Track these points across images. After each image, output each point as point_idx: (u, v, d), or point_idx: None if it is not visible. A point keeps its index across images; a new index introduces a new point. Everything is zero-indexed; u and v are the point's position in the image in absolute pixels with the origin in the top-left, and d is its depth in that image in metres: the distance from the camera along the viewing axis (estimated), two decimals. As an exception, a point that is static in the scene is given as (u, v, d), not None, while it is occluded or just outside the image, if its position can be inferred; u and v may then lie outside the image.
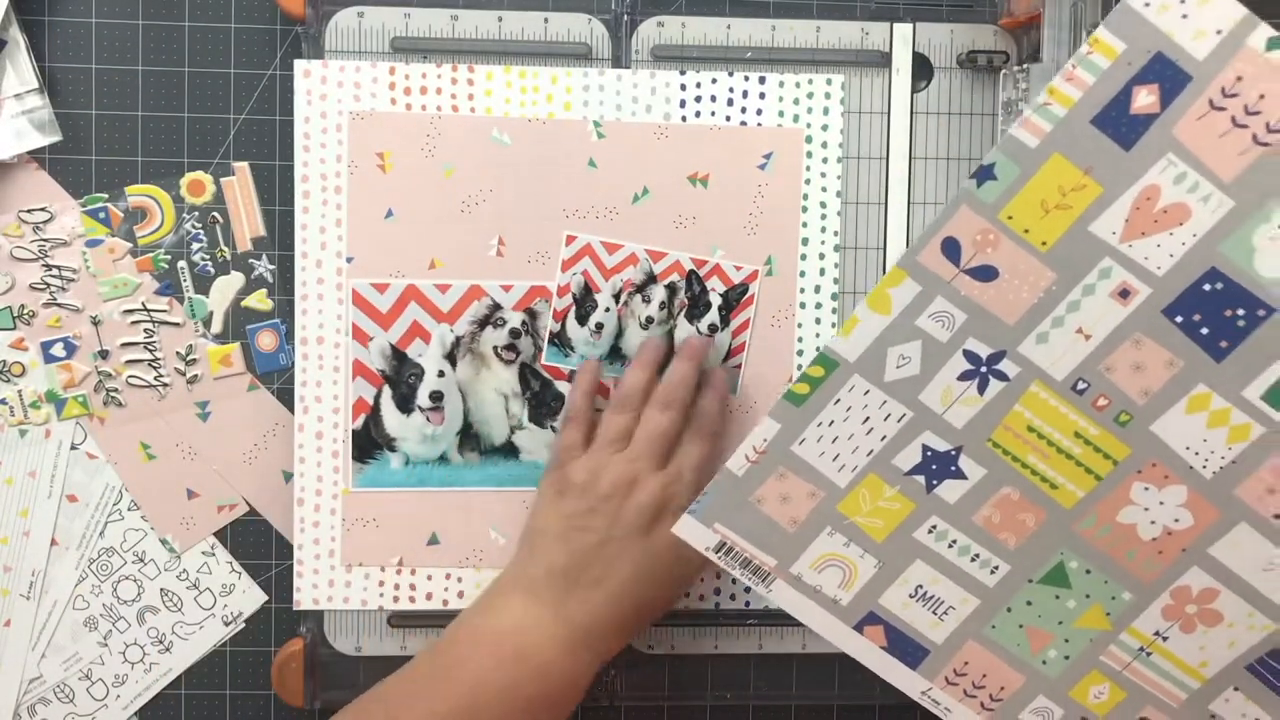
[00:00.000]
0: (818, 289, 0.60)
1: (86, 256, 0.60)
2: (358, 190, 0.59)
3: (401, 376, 0.59)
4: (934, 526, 0.50)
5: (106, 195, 0.60)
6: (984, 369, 0.47)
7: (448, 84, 0.59)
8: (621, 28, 0.60)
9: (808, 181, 0.60)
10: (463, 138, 0.59)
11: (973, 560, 0.50)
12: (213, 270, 0.61)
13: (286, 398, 0.61)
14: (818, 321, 0.60)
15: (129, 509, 0.61)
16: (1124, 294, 0.46)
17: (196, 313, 0.61)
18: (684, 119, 0.59)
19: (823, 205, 0.60)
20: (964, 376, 0.47)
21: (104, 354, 0.61)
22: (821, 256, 0.60)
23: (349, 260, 0.59)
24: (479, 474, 0.60)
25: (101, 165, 0.60)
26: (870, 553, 0.50)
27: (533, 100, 0.59)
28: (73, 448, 0.61)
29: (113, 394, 0.61)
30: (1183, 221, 0.45)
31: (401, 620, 0.60)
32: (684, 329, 0.60)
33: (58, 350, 0.60)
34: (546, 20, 0.59)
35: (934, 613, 0.51)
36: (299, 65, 0.58)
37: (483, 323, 0.59)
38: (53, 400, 0.61)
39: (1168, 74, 0.44)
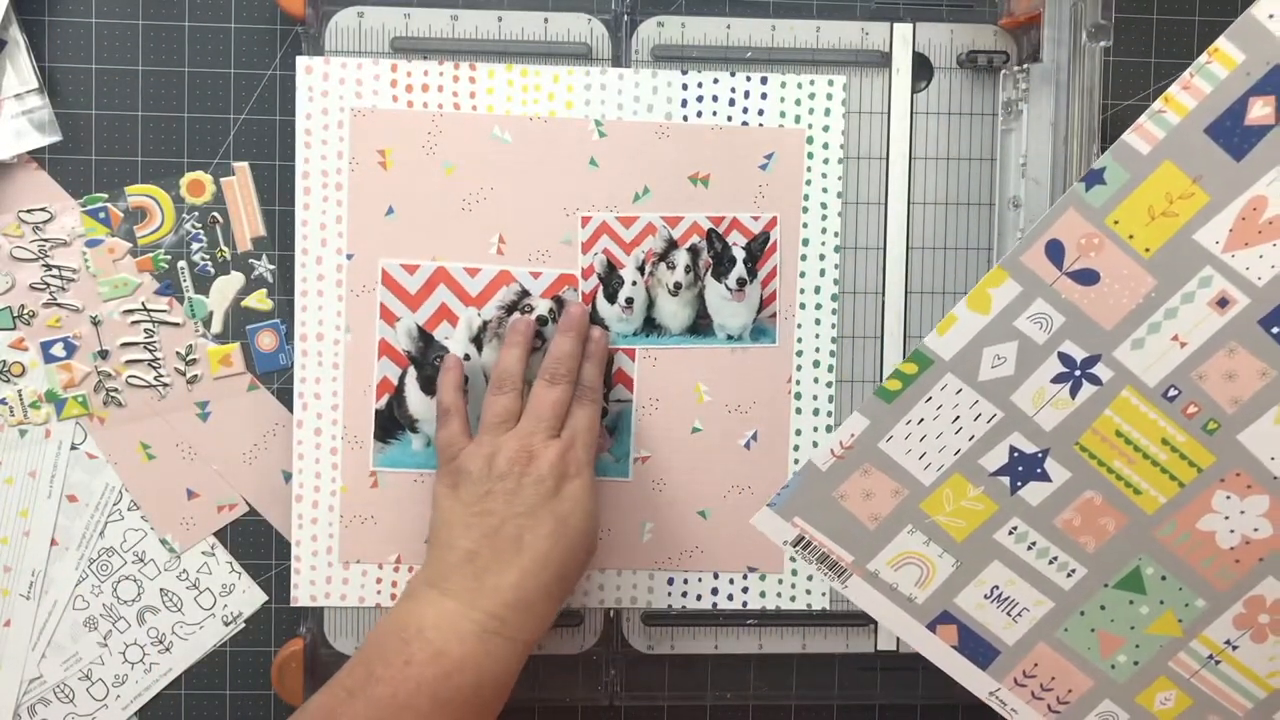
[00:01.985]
0: (818, 289, 0.60)
1: (86, 256, 0.60)
2: (359, 187, 0.59)
3: (427, 358, 0.59)
4: (1015, 528, 0.50)
5: (106, 195, 0.60)
6: (1078, 372, 0.47)
7: (449, 82, 0.59)
8: (621, 28, 0.60)
9: (808, 182, 0.60)
10: (463, 136, 0.59)
11: (1050, 563, 0.50)
12: (213, 270, 0.61)
13: (286, 398, 0.61)
14: (817, 322, 0.60)
15: (129, 509, 0.61)
16: (1222, 303, 0.46)
17: (196, 313, 0.61)
18: (685, 119, 0.59)
19: (823, 206, 0.60)
20: (1057, 379, 0.48)
21: (104, 354, 0.61)
22: (822, 257, 0.60)
23: (349, 257, 0.59)
24: None
25: (101, 165, 0.60)
26: (949, 552, 0.50)
27: (534, 99, 0.59)
28: (73, 448, 0.61)
29: (113, 394, 0.61)
30: None
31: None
32: (713, 288, 0.60)
33: (58, 350, 0.60)
34: (546, 20, 0.59)
35: (1008, 614, 0.51)
36: (301, 62, 0.58)
37: (510, 308, 0.60)
38: (53, 400, 0.60)
39: None
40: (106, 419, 0.61)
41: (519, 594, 0.51)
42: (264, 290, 0.61)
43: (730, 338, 0.60)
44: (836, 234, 0.60)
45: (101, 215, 0.60)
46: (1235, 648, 0.50)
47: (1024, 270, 0.47)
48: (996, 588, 0.50)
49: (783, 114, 0.60)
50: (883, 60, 0.60)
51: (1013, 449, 0.49)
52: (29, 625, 0.61)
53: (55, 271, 0.60)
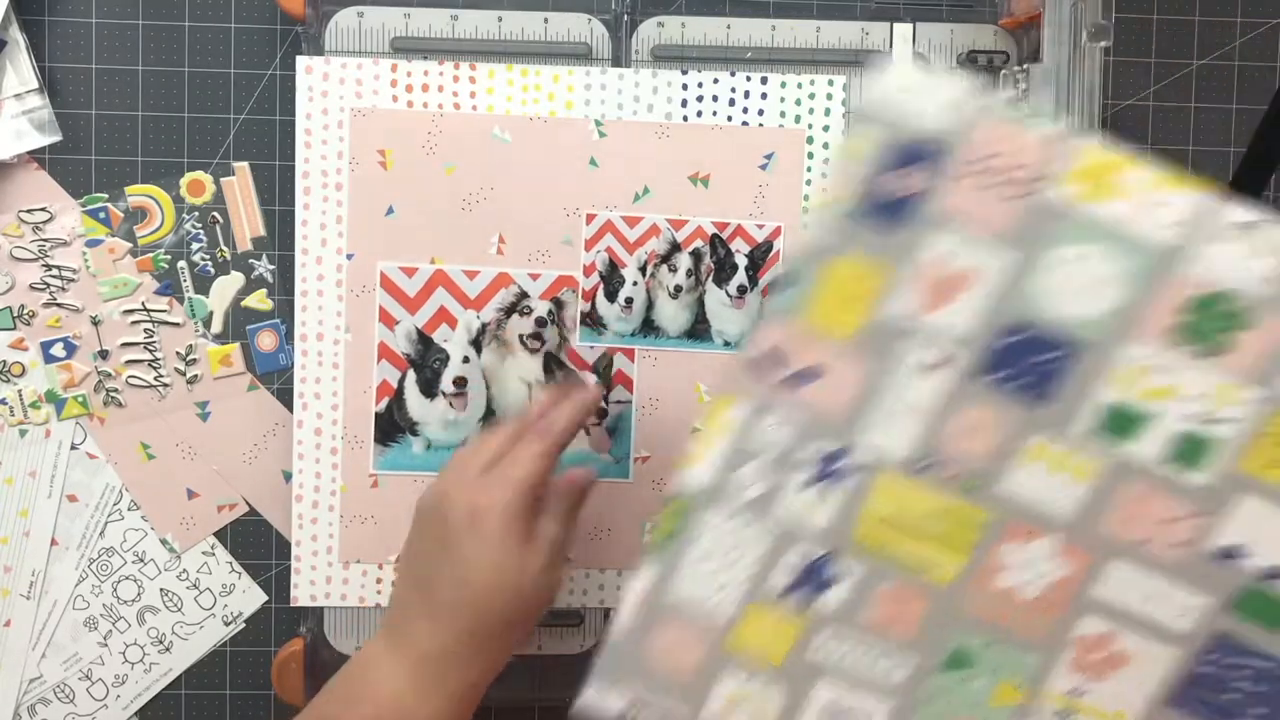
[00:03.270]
0: None
1: (86, 256, 0.60)
2: (359, 187, 0.59)
3: (426, 361, 0.59)
4: (826, 640, 0.48)
5: (106, 195, 0.60)
6: (830, 469, 0.47)
7: (449, 82, 0.59)
8: (621, 28, 0.60)
9: (808, 182, 0.60)
10: (464, 136, 0.59)
11: (873, 665, 0.49)
12: (213, 270, 0.61)
13: (286, 398, 0.61)
14: None
15: (129, 509, 0.61)
16: (938, 365, 0.46)
17: (196, 313, 0.61)
18: (685, 118, 0.59)
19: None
20: (813, 481, 0.47)
21: (104, 354, 0.61)
22: None
23: (349, 257, 0.59)
24: None
25: (101, 165, 0.60)
26: (773, 683, 0.49)
27: (534, 99, 0.59)
28: (73, 448, 0.61)
29: (113, 394, 0.61)
30: (972, 284, 0.46)
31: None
32: (713, 294, 0.60)
33: (58, 350, 0.60)
34: (546, 20, 0.59)
35: None
36: (301, 62, 0.58)
37: (509, 310, 0.60)
38: (53, 400, 0.61)
39: (921, 155, 0.45)
40: (106, 419, 0.61)
41: (439, 645, 0.48)
42: (264, 290, 0.61)
43: (727, 344, 0.60)
44: None
45: (101, 215, 0.60)
46: (1082, 694, 0.49)
47: (749, 387, 0.46)
48: (834, 701, 0.49)
49: (783, 114, 0.60)
50: (883, 60, 0.60)
51: (795, 564, 0.48)
52: (29, 625, 0.61)
53: (55, 271, 0.60)
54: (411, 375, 0.60)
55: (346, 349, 0.59)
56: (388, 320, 0.59)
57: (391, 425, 0.60)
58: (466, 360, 0.59)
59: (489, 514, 0.48)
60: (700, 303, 0.60)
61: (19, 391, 0.60)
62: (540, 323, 0.59)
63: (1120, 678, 0.49)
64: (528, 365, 0.60)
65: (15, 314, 0.60)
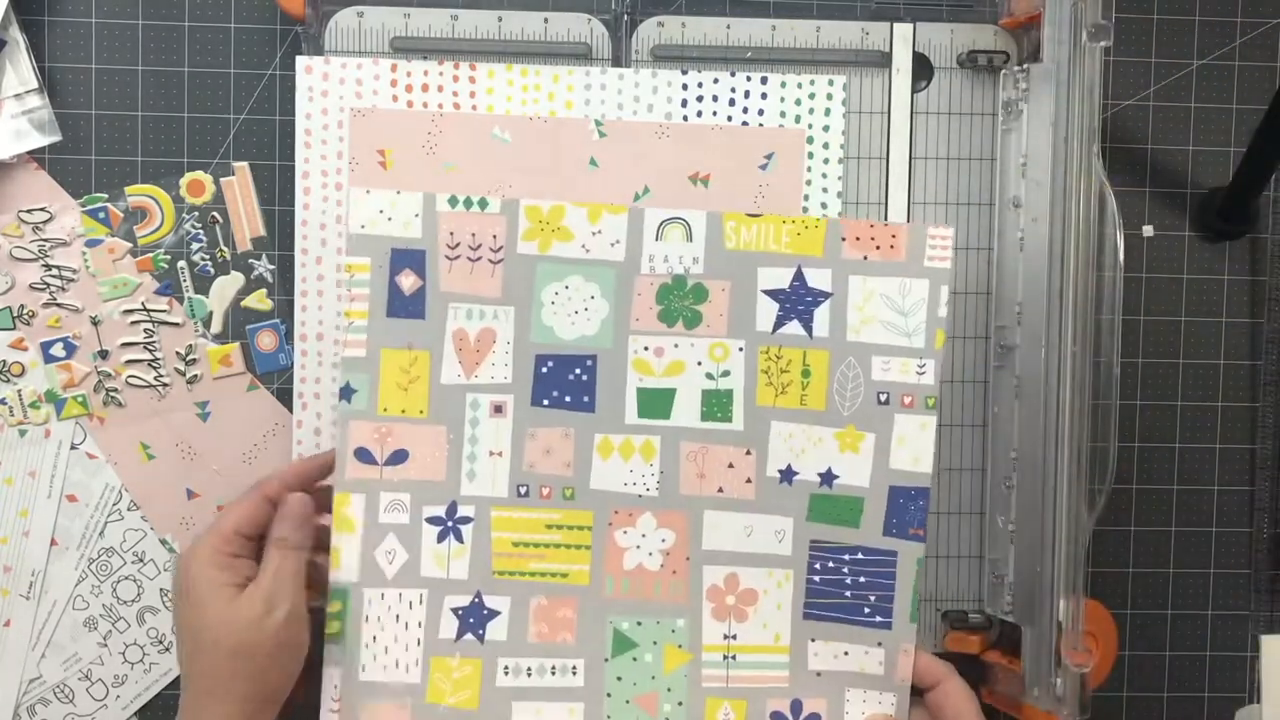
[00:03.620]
0: None
1: (86, 256, 0.60)
2: (359, 187, 0.59)
3: None
4: (506, 667, 0.55)
5: (106, 195, 0.60)
6: (450, 523, 0.55)
7: (449, 81, 0.59)
8: (621, 28, 0.60)
9: (808, 182, 0.60)
10: (463, 135, 0.59)
11: (553, 674, 0.55)
12: (212, 270, 0.61)
13: (286, 398, 0.61)
14: None
15: (129, 509, 0.61)
16: (498, 409, 0.55)
17: (196, 313, 0.61)
18: (685, 118, 0.59)
19: (824, 206, 0.60)
20: (441, 537, 0.55)
21: (104, 354, 0.60)
22: None
23: None
24: None
25: (101, 165, 0.60)
26: None
27: (534, 99, 0.59)
28: (72, 448, 0.61)
29: (112, 394, 0.61)
30: (494, 339, 0.55)
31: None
32: None
33: (58, 350, 0.60)
34: (546, 20, 0.59)
35: None
36: (300, 61, 0.58)
37: None
38: (52, 400, 0.60)
39: (409, 258, 0.55)
40: (106, 419, 0.61)
41: (183, 710, 0.50)
42: (264, 290, 0.61)
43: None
44: None
45: (101, 215, 0.60)
46: (734, 637, 0.56)
47: (355, 482, 0.54)
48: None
49: (783, 114, 0.60)
50: (883, 60, 0.60)
51: (453, 610, 0.55)
52: (29, 625, 0.61)
53: (55, 271, 0.60)
54: None
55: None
56: None
57: None
58: None
59: (188, 574, 0.50)
60: None
61: (19, 391, 0.60)
62: None
63: (759, 611, 0.56)
64: None
65: (15, 314, 0.60)
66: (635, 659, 0.55)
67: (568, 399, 0.55)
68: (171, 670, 0.61)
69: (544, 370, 0.55)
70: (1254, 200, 0.63)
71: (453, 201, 0.55)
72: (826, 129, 0.60)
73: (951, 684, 0.54)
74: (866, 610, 0.55)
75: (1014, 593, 0.59)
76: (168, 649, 0.61)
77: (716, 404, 0.56)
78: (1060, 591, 0.55)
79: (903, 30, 0.60)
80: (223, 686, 0.49)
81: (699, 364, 0.56)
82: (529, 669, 0.55)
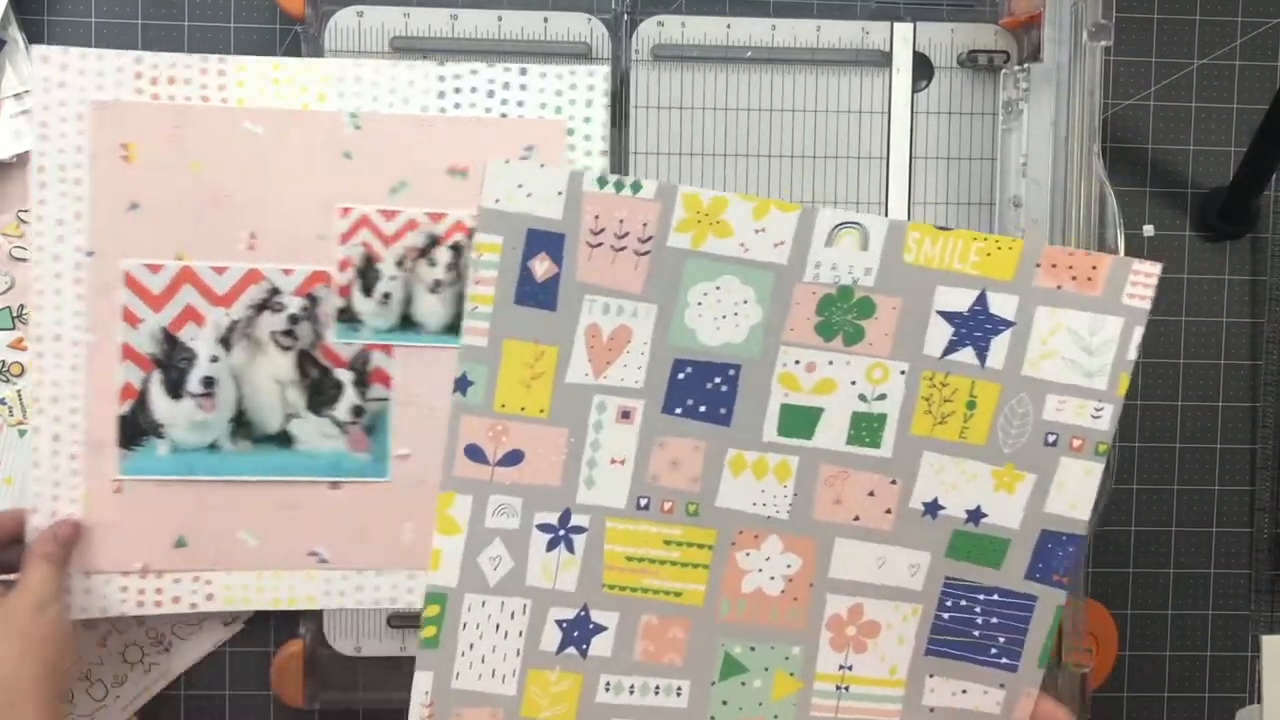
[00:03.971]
0: None
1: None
2: (100, 182, 0.57)
3: (172, 360, 0.57)
4: (608, 684, 0.53)
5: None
6: (561, 532, 0.52)
7: (197, 75, 0.57)
8: (621, 27, 0.60)
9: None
10: (213, 129, 0.57)
11: (656, 694, 0.53)
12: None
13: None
14: None
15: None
16: (625, 414, 0.52)
17: None
18: (443, 110, 0.58)
19: None
20: (551, 546, 0.52)
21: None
22: None
23: (89, 254, 0.57)
24: (250, 463, 0.58)
25: (101, 165, 0.60)
26: None
27: (286, 92, 0.58)
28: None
29: None
30: (630, 339, 0.51)
31: (401, 621, 0.60)
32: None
33: None
34: (546, 20, 0.59)
35: None
36: (37, 51, 0.56)
37: (260, 307, 0.58)
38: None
39: (546, 241, 0.51)
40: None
41: None
42: None
43: None
44: None
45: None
46: (850, 668, 0.54)
47: (463, 482, 0.52)
48: None
49: (543, 105, 0.58)
50: (883, 60, 0.60)
51: (559, 622, 0.52)
52: (28, 625, 0.60)
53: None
54: (157, 375, 0.57)
55: (88, 350, 0.57)
56: (131, 319, 0.57)
57: (136, 428, 0.57)
58: (215, 359, 0.58)
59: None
60: (461, 298, 0.58)
61: (19, 391, 0.60)
62: (292, 319, 0.58)
63: (879, 644, 0.54)
64: (280, 364, 0.58)
65: (15, 314, 0.60)
66: (744, 684, 0.53)
67: (703, 409, 0.52)
68: (171, 670, 0.61)
69: (680, 377, 0.52)
70: (1254, 200, 0.63)
71: (602, 182, 0.51)
72: (588, 120, 0.59)
73: None
74: (994, 651, 0.53)
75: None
76: (168, 649, 0.61)
77: (866, 428, 0.52)
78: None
79: (903, 30, 0.60)
80: (24, 689, 0.51)
81: (853, 383, 0.52)
82: (631, 687, 0.53)
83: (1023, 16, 0.59)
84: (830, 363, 0.52)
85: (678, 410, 0.52)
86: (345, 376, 0.58)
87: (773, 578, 0.53)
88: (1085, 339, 0.51)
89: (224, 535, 0.58)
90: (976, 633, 0.53)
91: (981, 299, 0.51)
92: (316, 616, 0.60)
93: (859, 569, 0.53)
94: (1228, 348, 0.64)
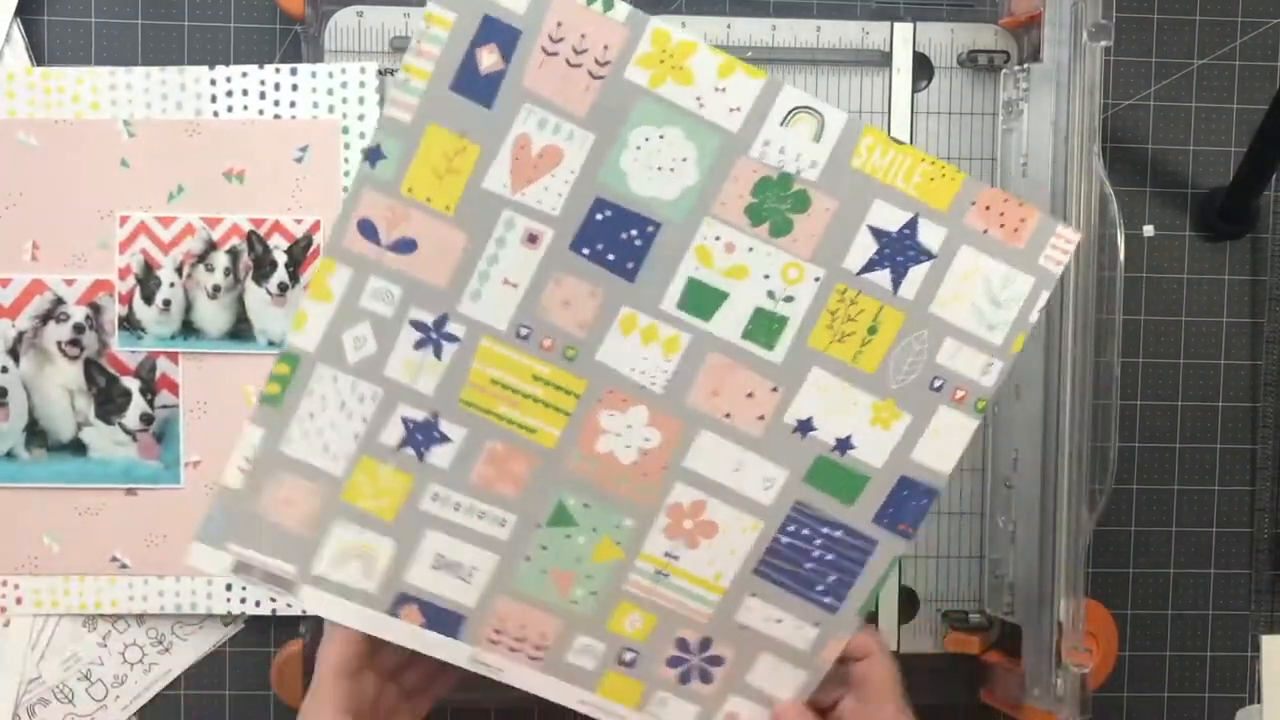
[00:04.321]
0: None
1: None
2: None
3: None
4: (436, 494, 0.51)
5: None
6: (434, 335, 0.50)
7: None
8: (621, 27, 0.60)
9: (346, 174, 0.59)
10: None
11: (480, 518, 0.51)
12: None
13: None
14: None
15: (128, 509, 0.61)
16: (532, 238, 0.49)
17: None
18: (216, 114, 0.59)
19: None
20: (419, 345, 0.50)
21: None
22: None
23: None
24: (46, 471, 0.59)
25: (101, 165, 0.60)
26: (385, 534, 0.51)
27: (58, 101, 0.58)
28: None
29: None
30: (559, 162, 0.48)
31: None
32: (254, 293, 0.59)
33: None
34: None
35: (460, 578, 0.51)
36: None
37: (45, 317, 0.58)
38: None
39: (500, 33, 0.47)
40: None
41: None
42: None
43: (271, 343, 0.59)
44: None
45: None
46: (676, 558, 0.52)
47: (349, 254, 0.48)
48: (441, 555, 0.51)
49: (315, 105, 0.59)
50: (883, 60, 0.60)
51: (405, 420, 0.50)
52: (29, 625, 0.60)
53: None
54: None
55: None
56: None
57: None
58: (4, 370, 0.58)
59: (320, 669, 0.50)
60: (241, 302, 0.59)
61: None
62: (77, 329, 0.58)
63: (711, 546, 0.52)
64: (68, 373, 0.59)
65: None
66: (569, 536, 0.52)
67: (611, 258, 0.49)
68: (171, 670, 0.61)
69: (599, 218, 0.49)
70: (1254, 200, 0.63)
71: None
72: (361, 118, 0.59)
73: (878, 658, 0.52)
74: (820, 588, 0.52)
75: (1014, 593, 0.59)
76: (168, 649, 0.61)
77: (765, 327, 0.50)
78: (1060, 592, 0.55)
79: (903, 30, 0.60)
80: None
81: (766, 277, 0.50)
82: (458, 504, 0.51)
83: (1023, 16, 0.59)
84: (750, 249, 0.50)
85: (585, 251, 0.49)
86: (132, 384, 0.59)
87: (629, 446, 0.51)
88: (996, 290, 0.50)
89: (28, 540, 0.59)
90: (809, 565, 0.52)
91: (912, 223, 0.49)
92: (316, 616, 0.60)
93: (715, 467, 0.51)
94: (1228, 348, 0.64)
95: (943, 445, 0.51)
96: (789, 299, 0.50)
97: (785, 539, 0.52)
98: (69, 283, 0.58)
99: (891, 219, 0.49)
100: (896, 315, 0.50)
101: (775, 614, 0.52)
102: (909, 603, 0.62)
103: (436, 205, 0.48)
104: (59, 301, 0.58)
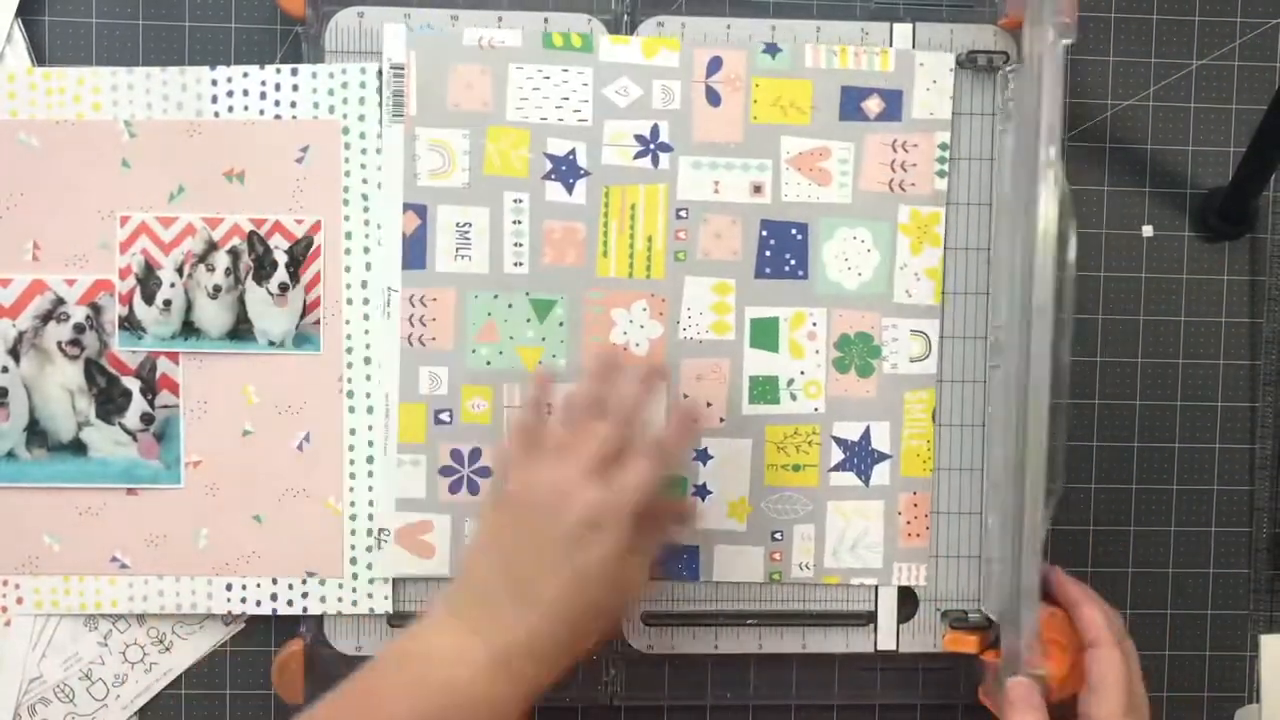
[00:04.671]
0: (364, 284, 0.59)
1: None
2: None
3: None
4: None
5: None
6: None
7: None
8: (621, 28, 0.60)
9: (347, 174, 0.59)
10: None
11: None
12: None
13: None
14: (366, 317, 0.59)
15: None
16: None
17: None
18: (217, 114, 0.59)
19: (365, 198, 0.59)
20: None
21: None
22: (366, 250, 0.59)
23: None
24: (46, 470, 0.59)
25: (101, 165, 0.60)
26: None
27: (59, 101, 0.58)
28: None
29: None
30: None
31: (401, 620, 0.60)
32: (254, 293, 0.59)
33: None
34: (546, 20, 0.59)
35: None
36: None
37: (45, 317, 0.58)
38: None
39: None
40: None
41: (527, 639, 0.48)
42: None
43: (272, 343, 0.59)
44: (380, 226, 0.59)
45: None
46: None
47: None
48: None
49: (316, 105, 0.59)
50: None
51: None
52: (29, 625, 0.61)
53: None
54: None
55: None
56: None
57: None
58: (5, 370, 0.58)
59: (611, 524, 0.49)
60: (241, 302, 0.59)
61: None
62: (78, 329, 0.58)
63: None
64: (68, 372, 0.59)
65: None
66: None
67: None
68: (172, 670, 0.61)
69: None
70: (1254, 200, 0.63)
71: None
72: (362, 118, 0.59)
73: (1105, 649, 0.52)
74: None
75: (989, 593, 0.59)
76: (168, 649, 0.61)
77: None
78: (1020, 594, 0.53)
79: (903, 30, 0.60)
80: (586, 635, 0.50)
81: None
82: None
83: (1020, 17, 0.59)
84: None
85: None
86: (132, 384, 0.59)
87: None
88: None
89: (29, 540, 0.59)
90: None
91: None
92: (317, 616, 0.60)
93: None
94: (1227, 348, 0.64)
95: None
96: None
97: None
98: (69, 283, 0.59)
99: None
100: None
101: None
102: (909, 603, 0.62)
103: None
104: (59, 301, 0.59)
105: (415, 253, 0.59)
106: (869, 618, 0.61)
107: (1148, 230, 0.64)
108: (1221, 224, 0.63)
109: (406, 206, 0.59)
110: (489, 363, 0.59)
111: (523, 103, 0.59)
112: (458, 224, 0.59)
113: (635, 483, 0.50)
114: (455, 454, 0.59)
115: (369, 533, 0.59)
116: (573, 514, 0.49)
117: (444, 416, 0.59)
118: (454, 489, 0.59)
